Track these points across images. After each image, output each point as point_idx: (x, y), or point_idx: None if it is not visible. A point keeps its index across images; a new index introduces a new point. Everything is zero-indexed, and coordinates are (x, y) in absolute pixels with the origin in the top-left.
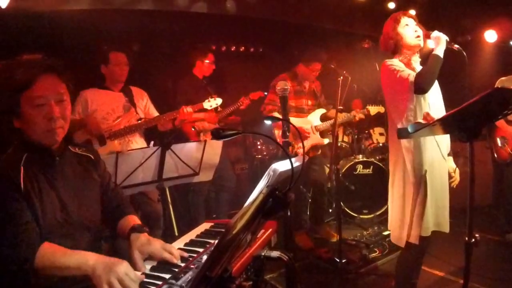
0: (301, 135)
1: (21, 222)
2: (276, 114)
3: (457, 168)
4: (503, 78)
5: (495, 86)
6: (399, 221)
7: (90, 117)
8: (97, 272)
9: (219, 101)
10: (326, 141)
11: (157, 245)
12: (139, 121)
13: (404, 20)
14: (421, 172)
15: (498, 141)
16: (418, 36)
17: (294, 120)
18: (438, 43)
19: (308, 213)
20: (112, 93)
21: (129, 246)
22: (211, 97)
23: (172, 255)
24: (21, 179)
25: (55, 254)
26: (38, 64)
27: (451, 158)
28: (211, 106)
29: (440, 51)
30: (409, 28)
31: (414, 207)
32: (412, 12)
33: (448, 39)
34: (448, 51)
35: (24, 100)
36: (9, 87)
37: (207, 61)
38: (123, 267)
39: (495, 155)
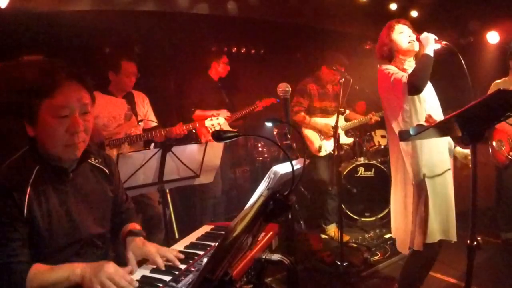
0: (303, 137)
1: (9, 254)
2: (303, 114)
3: (466, 153)
4: (497, 81)
5: (490, 90)
6: (402, 227)
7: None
8: (87, 277)
9: (221, 120)
10: (350, 140)
11: (151, 248)
12: (139, 123)
13: (399, 27)
14: (420, 175)
15: (495, 144)
16: (412, 42)
17: (320, 120)
18: (427, 43)
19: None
20: (115, 99)
21: (124, 248)
22: (214, 116)
23: (166, 260)
24: (25, 201)
25: (43, 274)
26: (62, 69)
27: (458, 148)
28: (212, 126)
29: (429, 51)
30: (403, 35)
31: (416, 212)
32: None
33: (436, 38)
34: (447, 53)
35: (45, 108)
36: (26, 90)
37: (223, 62)
38: (111, 266)
39: (493, 159)
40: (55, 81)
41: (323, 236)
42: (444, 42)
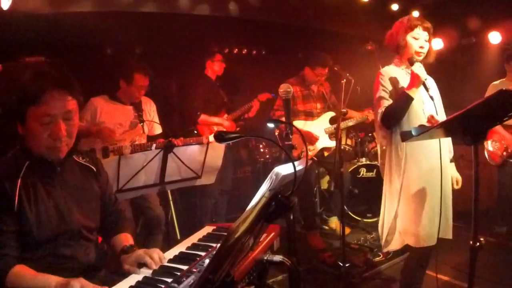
0: (304, 139)
1: None
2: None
3: (457, 177)
4: (495, 82)
5: (487, 92)
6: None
7: (97, 131)
8: None
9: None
10: (332, 144)
11: (139, 251)
12: (141, 124)
13: (417, 31)
14: (404, 184)
15: (490, 144)
16: (420, 53)
17: (303, 124)
18: (414, 81)
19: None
20: (122, 107)
21: (120, 265)
22: (223, 116)
23: (152, 259)
24: (16, 193)
25: (24, 277)
26: (50, 77)
27: (453, 164)
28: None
29: (413, 91)
30: (416, 42)
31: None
32: (415, 13)
33: (426, 79)
34: (457, 47)
35: (31, 113)
36: (16, 94)
37: (217, 59)
38: (79, 280)
39: (488, 158)
40: (40, 89)
41: (325, 227)
42: (430, 94)
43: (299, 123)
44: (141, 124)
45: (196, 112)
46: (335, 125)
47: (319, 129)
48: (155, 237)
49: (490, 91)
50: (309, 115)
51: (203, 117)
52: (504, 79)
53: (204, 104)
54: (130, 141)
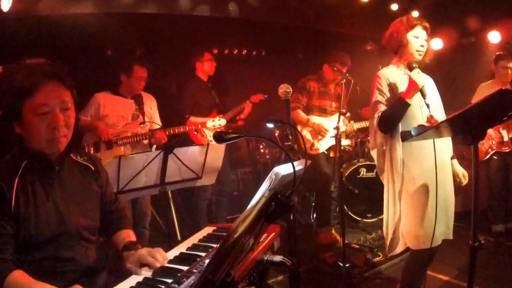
0: (304, 141)
1: None
2: (300, 112)
3: (463, 172)
4: (483, 84)
5: (477, 92)
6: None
7: (101, 124)
8: None
9: (223, 121)
10: (345, 142)
11: (142, 251)
12: (141, 125)
13: (417, 30)
14: (402, 184)
15: None
16: (420, 52)
17: (316, 119)
18: (412, 86)
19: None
20: (124, 100)
21: (122, 262)
22: (215, 117)
23: (155, 260)
24: (13, 193)
25: (22, 285)
26: (42, 70)
27: (455, 161)
28: (214, 126)
29: (410, 97)
30: (417, 40)
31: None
32: (415, 13)
33: (423, 86)
34: (457, 47)
35: (27, 107)
36: (11, 92)
37: (206, 59)
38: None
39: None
40: (35, 82)
41: None
42: (427, 102)
43: (312, 118)
44: (141, 124)
45: (184, 115)
46: (348, 125)
47: (330, 127)
48: (137, 230)
49: (479, 92)
50: (323, 112)
51: (192, 119)
52: (491, 81)
53: (194, 106)
54: (132, 132)
